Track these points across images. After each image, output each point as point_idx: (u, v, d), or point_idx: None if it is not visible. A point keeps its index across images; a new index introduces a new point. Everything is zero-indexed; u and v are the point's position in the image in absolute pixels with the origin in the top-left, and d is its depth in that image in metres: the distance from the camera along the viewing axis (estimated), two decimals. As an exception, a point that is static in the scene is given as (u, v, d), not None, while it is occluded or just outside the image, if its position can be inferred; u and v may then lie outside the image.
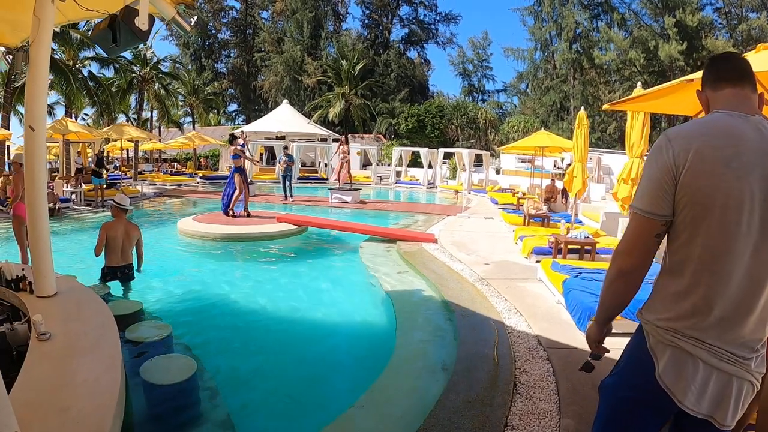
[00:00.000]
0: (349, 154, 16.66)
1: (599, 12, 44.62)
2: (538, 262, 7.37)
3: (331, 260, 8.33)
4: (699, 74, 3.89)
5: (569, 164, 15.57)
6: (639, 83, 6.55)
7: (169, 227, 10.14)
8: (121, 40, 3.43)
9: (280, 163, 15.54)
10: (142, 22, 3.38)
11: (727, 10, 38.57)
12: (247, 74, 53.07)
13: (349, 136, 34.76)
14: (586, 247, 7.04)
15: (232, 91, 54.66)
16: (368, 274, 6.98)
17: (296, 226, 9.50)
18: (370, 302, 5.96)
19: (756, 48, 3.49)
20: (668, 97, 4.66)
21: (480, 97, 55.99)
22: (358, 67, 36.81)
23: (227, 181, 10.40)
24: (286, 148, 16.23)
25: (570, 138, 14.65)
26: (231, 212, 10.07)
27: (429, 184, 23.16)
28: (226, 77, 53.73)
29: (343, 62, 37.48)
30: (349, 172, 16.10)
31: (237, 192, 9.97)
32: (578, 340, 4.49)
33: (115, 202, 5.40)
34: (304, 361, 4.41)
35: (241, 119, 52.04)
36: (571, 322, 4.89)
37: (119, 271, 5.39)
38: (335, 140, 24.15)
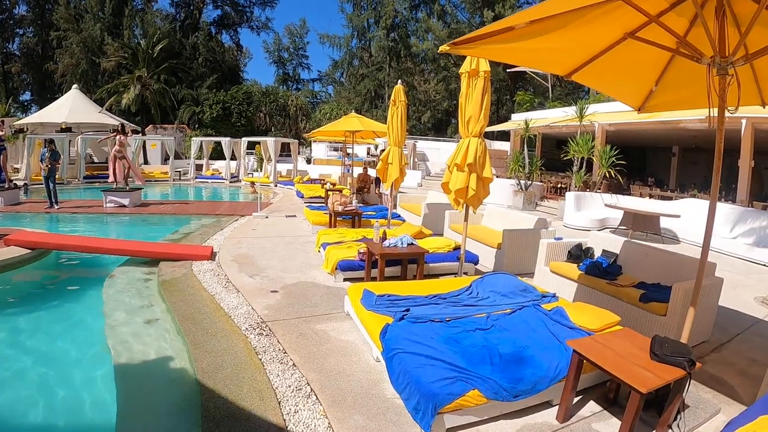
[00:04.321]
0: (126, 146, 12.76)
1: (419, 2, 45.81)
2: (346, 280, 5.28)
3: (60, 307, 4.93)
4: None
5: (383, 150, 14.23)
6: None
7: None
8: None
9: (42, 161, 10.99)
10: None
11: (540, 7, 43.60)
12: (41, 56, 42.26)
13: (151, 126, 29.15)
14: (410, 257, 5.17)
15: (26, 76, 43.61)
16: (103, 331, 4.07)
17: (29, 250, 6.18)
18: (90, 394, 3.24)
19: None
20: (547, 38, 2.87)
21: (294, 86, 53.66)
22: (158, 48, 31.11)
23: None
24: (51, 142, 11.56)
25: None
26: None
27: (232, 177, 20.10)
28: (18, 60, 42.65)
29: (143, 41, 31.36)
30: (128, 170, 12.42)
31: None
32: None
33: None
34: None
35: (35, 109, 40.82)
36: (403, 409, 2.81)
37: None
38: (135, 132, 19.37)
